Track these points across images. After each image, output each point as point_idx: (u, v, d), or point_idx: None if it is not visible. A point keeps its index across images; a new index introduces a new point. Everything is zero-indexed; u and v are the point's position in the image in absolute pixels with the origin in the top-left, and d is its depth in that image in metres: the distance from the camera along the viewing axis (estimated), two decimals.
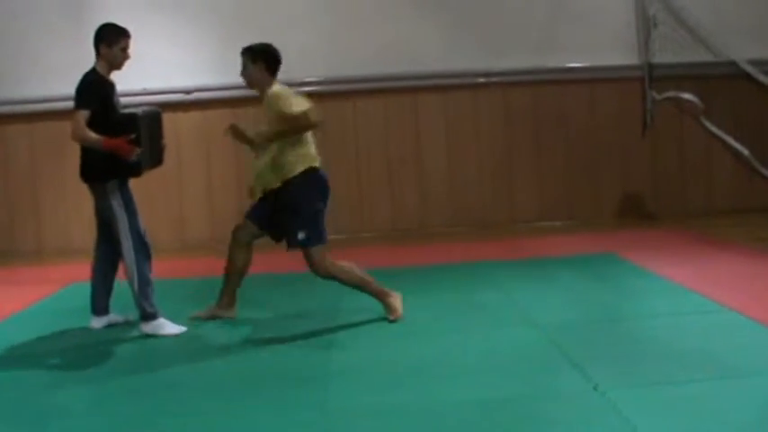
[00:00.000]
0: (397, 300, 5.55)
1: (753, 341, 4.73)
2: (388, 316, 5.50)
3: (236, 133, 5.68)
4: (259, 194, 5.69)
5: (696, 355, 4.50)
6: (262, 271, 7.55)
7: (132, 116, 5.33)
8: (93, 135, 5.20)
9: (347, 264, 5.54)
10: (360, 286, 5.55)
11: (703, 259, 6.98)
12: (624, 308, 5.76)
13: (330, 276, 5.48)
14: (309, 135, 5.56)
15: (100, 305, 5.67)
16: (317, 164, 5.55)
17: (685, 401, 3.86)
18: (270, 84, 5.58)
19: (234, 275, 5.81)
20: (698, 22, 9.14)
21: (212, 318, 5.78)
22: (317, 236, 5.42)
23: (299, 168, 5.48)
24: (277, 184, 5.55)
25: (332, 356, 4.85)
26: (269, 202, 5.65)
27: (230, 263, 5.80)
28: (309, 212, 5.44)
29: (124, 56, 5.43)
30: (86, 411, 4.20)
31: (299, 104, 5.44)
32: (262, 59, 5.59)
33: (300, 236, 5.41)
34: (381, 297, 5.55)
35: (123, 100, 5.63)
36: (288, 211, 5.49)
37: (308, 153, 5.54)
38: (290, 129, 5.45)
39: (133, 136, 5.22)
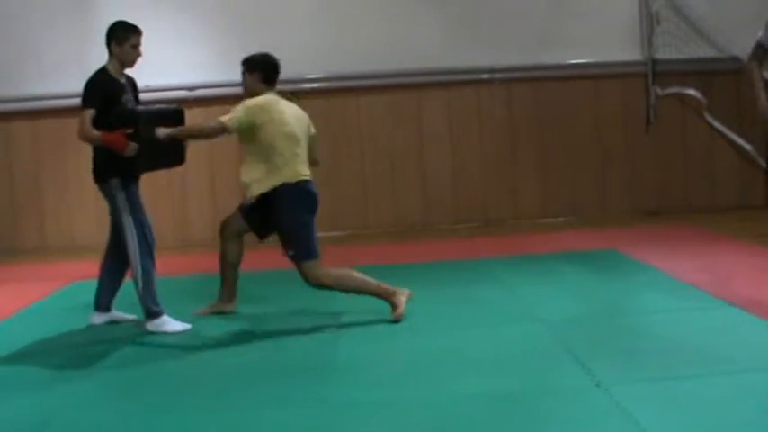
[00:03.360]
0: (402, 296, 5.47)
1: (755, 337, 4.73)
2: (391, 314, 5.46)
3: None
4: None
5: (698, 350, 4.50)
6: (262, 268, 7.57)
7: (132, 111, 5.34)
8: (93, 132, 5.22)
9: (342, 271, 5.48)
10: (360, 290, 5.48)
11: (706, 255, 6.98)
12: (627, 304, 5.76)
13: (323, 287, 5.45)
14: (287, 151, 5.44)
15: (103, 301, 5.69)
16: (294, 179, 5.45)
17: (687, 397, 3.86)
18: (263, 93, 5.57)
19: (228, 269, 5.84)
20: (701, 18, 9.13)
21: (216, 313, 5.79)
22: (305, 251, 5.39)
23: (269, 184, 5.42)
24: (255, 195, 5.51)
25: (333, 352, 4.86)
26: (261, 205, 5.60)
27: (222, 257, 5.85)
28: (294, 229, 5.42)
29: (135, 53, 5.44)
30: (89, 408, 4.20)
31: (233, 114, 5.39)
32: (258, 69, 5.60)
33: (290, 252, 5.43)
34: (386, 297, 5.47)
35: (141, 97, 5.64)
36: (276, 223, 5.50)
37: (279, 169, 5.42)
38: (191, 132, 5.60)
39: (130, 131, 5.22)
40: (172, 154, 5.60)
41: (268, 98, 5.53)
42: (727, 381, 4.04)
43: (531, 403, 3.92)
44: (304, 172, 5.51)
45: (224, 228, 5.84)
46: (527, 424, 3.71)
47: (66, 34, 8.95)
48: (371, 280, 5.48)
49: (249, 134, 5.41)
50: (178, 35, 9.12)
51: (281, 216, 5.45)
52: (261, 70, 5.60)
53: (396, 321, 5.37)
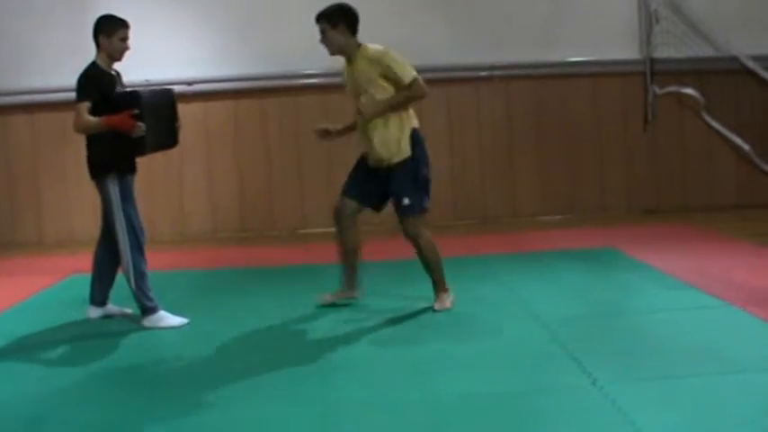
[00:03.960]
0: (447, 301, 5.55)
1: (753, 336, 4.74)
2: (434, 304, 5.53)
3: (329, 135, 5.66)
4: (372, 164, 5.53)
5: (695, 349, 4.51)
6: (262, 265, 7.58)
7: (133, 93, 5.33)
8: (92, 119, 5.21)
9: (434, 241, 5.56)
10: (434, 266, 5.53)
11: (703, 254, 6.98)
12: (624, 302, 5.77)
13: (416, 244, 5.47)
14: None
15: (98, 295, 5.69)
16: (417, 124, 5.48)
17: (684, 396, 3.87)
18: (355, 44, 5.44)
19: (350, 257, 5.71)
20: (699, 18, 9.12)
21: (339, 302, 5.73)
22: (421, 205, 5.41)
23: (407, 139, 5.40)
24: (392, 161, 5.42)
25: (333, 351, 4.85)
26: (373, 174, 5.52)
27: (342, 246, 5.70)
28: (427, 177, 5.44)
29: (123, 46, 5.42)
30: (85, 403, 4.20)
31: (410, 69, 5.34)
32: (342, 21, 5.42)
33: (405, 202, 5.39)
34: (440, 289, 5.56)
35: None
36: (402, 178, 5.42)
37: (410, 117, 5.44)
38: (404, 99, 5.35)
39: (136, 111, 5.20)
40: (170, 135, 5.60)
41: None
42: (723, 380, 4.05)
43: (527, 402, 3.93)
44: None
45: (339, 217, 5.64)
46: (523, 422, 3.72)
47: (64, 28, 8.93)
48: (443, 268, 5.54)
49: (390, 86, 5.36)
50: (176, 30, 9.10)
51: (418, 166, 5.41)
52: (344, 21, 5.43)
53: (435, 310, 5.48)
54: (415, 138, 5.45)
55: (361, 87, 5.44)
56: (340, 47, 5.46)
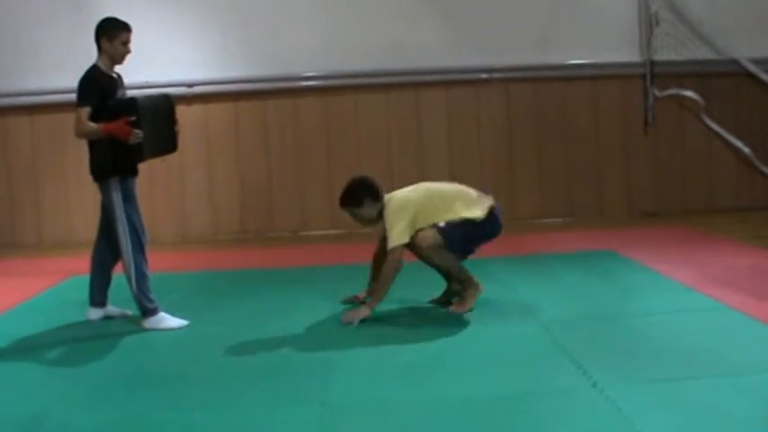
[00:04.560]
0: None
1: (752, 339, 4.74)
2: (454, 306, 5.52)
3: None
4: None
5: (695, 352, 4.51)
6: (264, 266, 7.58)
7: (130, 99, 5.33)
8: (92, 125, 5.22)
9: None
10: (454, 267, 5.53)
11: (704, 257, 6.99)
12: (624, 305, 5.77)
13: (424, 249, 5.40)
14: (456, 196, 5.51)
15: (97, 297, 5.69)
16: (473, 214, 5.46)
17: (684, 398, 3.87)
18: (383, 206, 5.46)
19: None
20: (699, 20, 9.14)
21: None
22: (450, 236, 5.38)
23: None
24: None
25: (332, 352, 4.85)
26: None
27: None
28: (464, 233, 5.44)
29: (125, 50, 5.42)
30: (85, 405, 4.20)
31: (400, 234, 5.34)
32: (364, 197, 5.47)
33: (440, 224, 5.39)
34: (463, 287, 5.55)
35: (128, 93, 5.63)
36: None
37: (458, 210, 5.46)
38: (390, 274, 5.35)
39: (133, 118, 5.21)
40: (169, 140, 5.60)
41: (397, 200, 5.48)
42: (723, 382, 4.05)
43: (526, 404, 3.93)
44: None
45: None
46: (523, 424, 3.72)
47: (64, 29, 8.94)
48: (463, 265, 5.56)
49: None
50: (177, 32, 9.11)
51: (475, 228, 5.50)
52: (366, 195, 5.46)
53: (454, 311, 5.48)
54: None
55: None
56: (372, 218, 5.52)
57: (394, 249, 5.34)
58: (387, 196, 5.51)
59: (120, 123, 5.18)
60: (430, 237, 5.38)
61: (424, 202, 5.45)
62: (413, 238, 5.40)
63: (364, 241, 8.45)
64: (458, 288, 5.63)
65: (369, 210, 5.48)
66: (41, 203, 9.25)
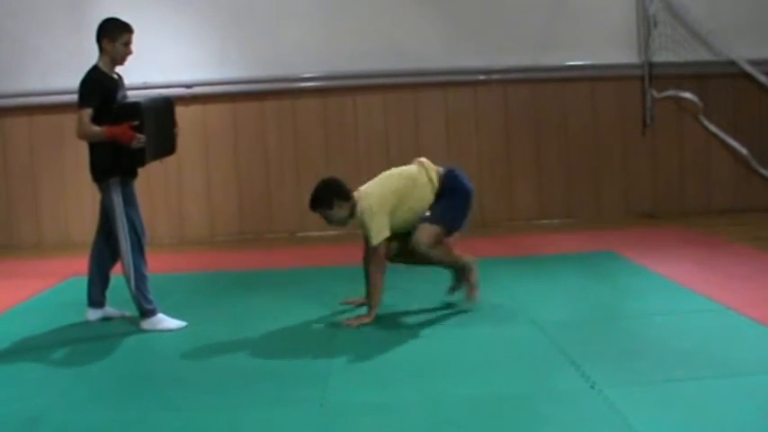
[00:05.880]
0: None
1: (750, 340, 4.74)
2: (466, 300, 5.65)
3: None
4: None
5: (694, 353, 4.51)
6: (262, 267, 7.58)
7: (134, 104, 5.34)
8: (94, 128, 5.23)
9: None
10: (449, 262, 5.65)
11: (702, 258, 6.99)
12: (622, 306, 5.77)
13: (422, 250, 5.48)
14: (417, 180, 5.67)
15: (96, 297, 5.69)
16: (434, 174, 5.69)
17: (682, 400, 3.87)
18: (353, 205, 5.50)
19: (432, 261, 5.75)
20: (698, 22, 9.15)
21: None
22: (441, 217, 5.52)
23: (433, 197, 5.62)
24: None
25: (331, 353, 4.85)
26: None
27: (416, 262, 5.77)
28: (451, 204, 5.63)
29: (126, 51, 5.43)
30: (83, 406, 4.20)
31: (379, 230, 5.42)
32: (333, 198, 5.48)
33: (426, 213, 5.52)
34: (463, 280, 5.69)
35: (128, 94, 5.63)
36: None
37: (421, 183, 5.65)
38: (376, 272, 5.46)
39: (136, 123, 5.22)
40: (169, 143, 5.62)
41: (372, 199, 5.53)
42: (722, 384, 4.05)
43: (525, 405, 3.93)
44: None
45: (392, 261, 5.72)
46: (521, 426, 3.72)
47: (63, 30, 8.94)
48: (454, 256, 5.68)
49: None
50: (176, 33, 9.12)
51: (451, 195, 5.71)
52: (335, 196, 5.47)
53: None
54: (447, 179, 5.68)
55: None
56: (344, 218, 5.55)
57: (377, 248, 5.42)
58: (356, 194, 5.54)
59: (123, 128, 5.19)
60: (423, 238, 5.46)
61: (399, 186, 5.58)
62: (408, 243, 5.47)
63: (362, 242, 8.46)
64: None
65: (340, 210, 5.50)
66: (40, 204, 9.25)
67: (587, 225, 8.97)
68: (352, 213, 5.52)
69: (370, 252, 5.50)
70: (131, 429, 3.88)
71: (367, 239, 5.50)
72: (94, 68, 5.40)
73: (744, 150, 9.23)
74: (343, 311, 5.72)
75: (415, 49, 9.20)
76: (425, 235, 5.48)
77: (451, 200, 5.63)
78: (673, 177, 9.45)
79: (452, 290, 5.87)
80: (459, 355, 4.75)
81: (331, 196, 5.50)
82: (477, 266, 5.70)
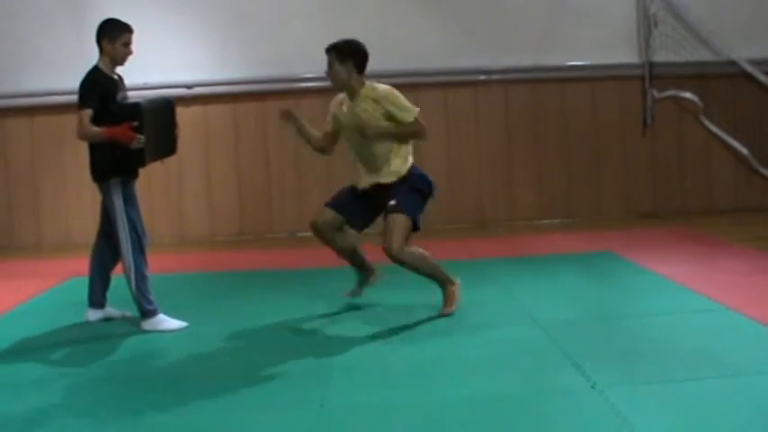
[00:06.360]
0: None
1: (751, 340, 4.74)
2: (442, 309, 5.50)
3: (292, 120, 5.66)
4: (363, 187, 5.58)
5: (694, 353, 4.51)
6: (262, 267, 7.58)
7: (134, 104, 5.35)
8: (94, 129, 5.23)
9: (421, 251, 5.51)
10: (433, 273, 5.51)
11: (702, 258, 6.99)
12: (623, 306, 5.78)
13: (399, 258, 5.37)
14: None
15: (96, 298, 5.70)
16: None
17: (683, 400, 3.87)
18: (360, 82, 5.48)
19: (350, 256, 5.72)
20: (698, 21, 9.15)
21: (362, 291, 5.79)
22: (409, 208, 5.38)
23: (407, 166, 5.49)
24: (387, 182, 5.48)
25: (332, 354, 4.85)
26: (365, 197, 5.55)
27: (339, 252, 5.69)
28: (415, 192, 5.47)
29: (126, 51, 5.44)
30: (84, 406, 4.20)
31: (414, 110, 5.44)
32: (351, 58, 5.44)
33: (392, 202, 5.39)
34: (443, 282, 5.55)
35: (128, 94, 5.63)
36: (393, 190, 5.47)
37: (410, 154, 5.55)
38: (409, 133, 5.45)
39: (136, 123, 5.22)
40: (169, 144, 5.62)
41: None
42: (722, 383, 4.05)
43: (525, 405, 3.93)
44: None
45: (318, 230, 5.63)
46: (522, 426, 3.72)
47: (63, 30, 8.94)
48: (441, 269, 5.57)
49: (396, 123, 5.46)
50: (176, 33, 9.11)
51: (415, 181, 5.50)
52: (353, 58, 5.44)
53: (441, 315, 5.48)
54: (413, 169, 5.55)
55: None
56: (343, 82, 5.50)
57: (417, 124, 5.44)
58: (368, 82, 5.50)
59: (123, 128, 5.20)
60: (415, 250, 5.44)
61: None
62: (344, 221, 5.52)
63: (363, 242, 8.46)
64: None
65: (346, 69, 5.44)
66: (40, 205, 9.25)
67: (587, 225, 8.97)
68: (353, 92, 5.46)
69: (411, 128, 5.45)
70: (132, 429, 3.88)
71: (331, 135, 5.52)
72: (94, 69, 5.40)
73: (744, 150, 9.23)
74: (343, 311, 5.72)
75: (415, 49, 9.20)
76: (395, 240, 5.33)
77: (416, 187, 5.49)
78: (673, 177, 9.45)
79: (353, 293, 5.79)
80: (459, 355, 4.75)
81: (350, 54, 5.43)
82: (457, 286, 5.58)
